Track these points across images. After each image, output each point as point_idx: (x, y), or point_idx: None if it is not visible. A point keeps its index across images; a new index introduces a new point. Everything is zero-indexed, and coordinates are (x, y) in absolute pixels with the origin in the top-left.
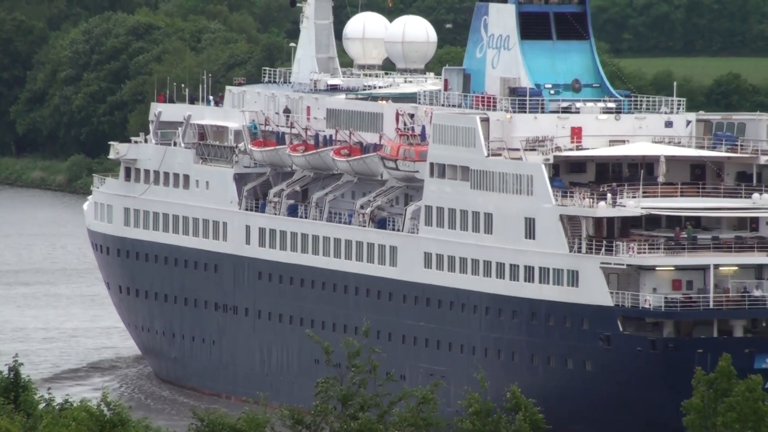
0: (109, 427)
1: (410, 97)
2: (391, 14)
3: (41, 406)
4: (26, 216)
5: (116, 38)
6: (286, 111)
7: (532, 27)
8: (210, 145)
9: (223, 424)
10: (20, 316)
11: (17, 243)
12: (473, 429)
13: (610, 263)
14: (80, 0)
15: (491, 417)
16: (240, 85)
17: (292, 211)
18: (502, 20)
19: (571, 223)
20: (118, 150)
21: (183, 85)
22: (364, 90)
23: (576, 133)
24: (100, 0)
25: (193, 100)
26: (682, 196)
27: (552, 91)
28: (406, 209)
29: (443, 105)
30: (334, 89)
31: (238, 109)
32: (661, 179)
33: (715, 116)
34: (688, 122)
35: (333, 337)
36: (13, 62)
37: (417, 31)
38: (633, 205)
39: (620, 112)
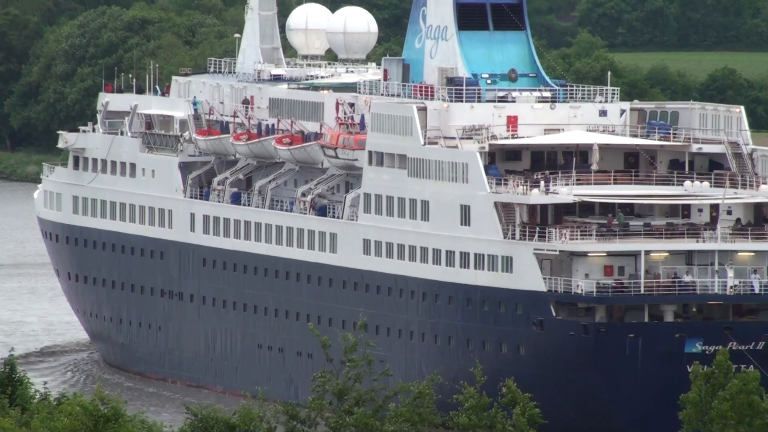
0: (104, 422)
1: (351, 87)
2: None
3: (36, 400)
4: (21, 210)
5: (111, 33)
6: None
7: (469, 18)
8: (156, 134)
9: (216, 419)
10: (5, 310)
11: (11, 237)
12: (470, 423)
13: (543, 249)
14: None
15: (487, 412)
16: (186, 75)
17: (236, 199)
18: (440, 11)
19: (505, 210)
20: (66, 139)
21: (131, 75)
22: (307, 80)
23: (512, 121)
24: None
25: (140, 90)
26: (615, 183)
27: (489, 81)
28: (345, 197)
29: (383, 94)
30: (277, 79)
31: (184, 99)
32: (594, 167)
33: (648, 105)
34: (623, 111)
35: (276, 323)
36: (8, 56)
37: (358, 22)
38: (566, 192)
39: (555, 101)
